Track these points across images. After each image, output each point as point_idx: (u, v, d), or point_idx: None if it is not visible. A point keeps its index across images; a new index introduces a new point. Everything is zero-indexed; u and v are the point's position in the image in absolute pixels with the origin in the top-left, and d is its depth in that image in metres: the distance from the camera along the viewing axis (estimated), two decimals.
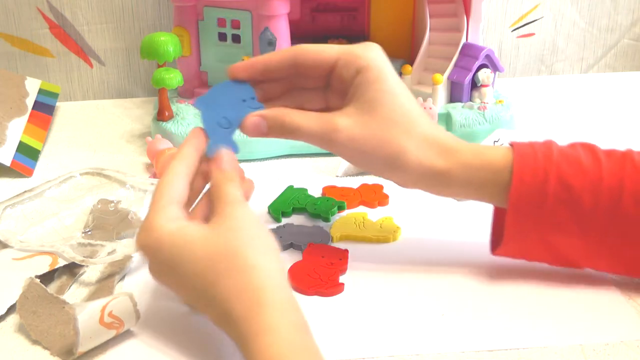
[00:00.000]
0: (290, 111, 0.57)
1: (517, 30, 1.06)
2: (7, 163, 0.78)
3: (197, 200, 0.56)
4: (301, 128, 0.56)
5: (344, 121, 0.56)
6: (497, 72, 0.86)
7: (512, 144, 0.57)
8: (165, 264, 0.51)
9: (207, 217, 0.53)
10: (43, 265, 0.61)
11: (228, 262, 0.48)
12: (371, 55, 0.57)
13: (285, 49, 0.59)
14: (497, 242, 0.60)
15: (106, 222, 0.67)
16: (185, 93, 0.87)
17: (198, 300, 0.51)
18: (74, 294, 0.59)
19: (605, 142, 0.62)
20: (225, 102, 0.56)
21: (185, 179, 0.54)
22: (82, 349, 0.50)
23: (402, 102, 0.56)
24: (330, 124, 0.56)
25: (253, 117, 0.57)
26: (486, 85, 0.85)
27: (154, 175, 0.76)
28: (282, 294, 0.48)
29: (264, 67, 0.57)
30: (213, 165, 0.55)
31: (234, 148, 0.56)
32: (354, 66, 0.56)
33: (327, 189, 0.73)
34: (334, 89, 0.59)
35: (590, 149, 0.57)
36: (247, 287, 0.47)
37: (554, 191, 0.55)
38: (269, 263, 0.49)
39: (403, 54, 0.93)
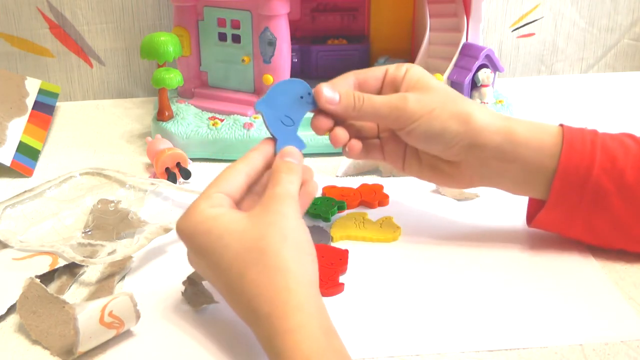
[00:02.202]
0: (359, 93, 0.60)
1: (517, 30, 1.06)
2: (7, 163, 0.78)
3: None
4: (374, 99, 0.59)
5: (410, 94, 0.59)
6: (497, 72, 0.86)
7: (560, 124, 0.60)
8: (200, 249, 0.51)
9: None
10: (43, 265, 0.61)
11: (258, 257, 0.48)
12: (412, 66, 0.61)
13: (348, 74, 0.61)
14: (534, 213, 0.62)
15: (106, 222, 0.67)
16: (185, 93, 0.87)
17: (228, 293, 0.50)
18: (74, 294, 0.59)
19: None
20: (284, 101, 0.57)
21: (241, 176, 0.54)
22: (82, 348, 0.50)
23: (451, 90, 0.61)
24: (398, 95, 0.59)
25: (328, 89, 0.58)
26: (486, 85, 0.85)
27: (154, 175, 0.76)
28: (310, 299, 0.47)
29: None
30: (277, 157, 0.56)
31: (300, 145, 0.56)
32: (403, 67, 0.61)
33: (327, 189, 0.73)
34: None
35: (630, 135, 0.60)
36: (273, 287, 0.47)
37: (600, 161, 0.58)
38: (298, 266, 0.48)
39: (403, 54, 0.94)
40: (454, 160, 0.60)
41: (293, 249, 0.49)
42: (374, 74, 0.61)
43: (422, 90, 0.59)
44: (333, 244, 0.65)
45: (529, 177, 0.60)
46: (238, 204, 0.54)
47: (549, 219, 0.61)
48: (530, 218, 0.64)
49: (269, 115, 0.56)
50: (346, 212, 0.70)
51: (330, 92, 0.59)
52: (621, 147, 0.59)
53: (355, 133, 0.62)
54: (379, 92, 0.61)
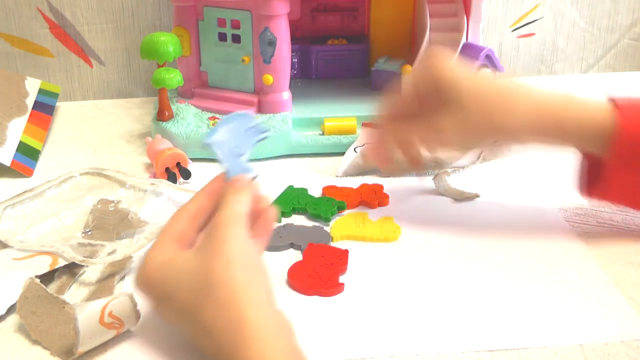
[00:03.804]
0: (398, 128, 0.64)
1: (517, 30, 1.06)
2: (7, 163, 0.78)
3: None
4: (414, 139, 0.63)
5: (446, 119, 0.61)
6: (497, 72, 0.86)
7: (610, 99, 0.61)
8: (161, 297, 0.50)
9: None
10: (43, 265, 0.61)
11: (209, 292, 0.47)
12: (440, 62, 0.62)
13: (381, 116, 0.66)
14: (590, 184, 0.63)
15: (106, 222, 0.67)
16: (185, 93, 0.87)
17: (192, 335, 0.49)
18: (74, 294, 0.59)
19: None
20: (233, 133, 0.56)
21: (187, 216, 0.53)
22: (82, 349, 0.50)
23: (485, 82, 0.61)
24: (436, 127, 0.61)
25: (372, 149, 0.66)
26: None
27: (154, 175, 0.76)
28: (267, 321, 0.46)
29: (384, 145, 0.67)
30: (226, 185, 0.54)
31: (252, 174, 0.56)
32: (431, 80, 0.62)
33: (327, 189, 0.73)
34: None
35: None
36: (228, 319, 0.46)
37: None
38: (249, 290, 0.47)
39: (403, 54, 0.93)
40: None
41: (240, 274, 0.47)
42: (406, 104, 0.64)
43: (457, 111, 0.60)
44: (333, 244, 0.65)
45: (580, 147, 0.62)
46: (191, 245, 0.52)
47: (608, 192, 0.62)
48: (587, 190, 0.64)
49: (219, 147, 0.55)
50: (346, 212, 0.70)
51: (375, 153, 0.66)
52: None
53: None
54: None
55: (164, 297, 0.50)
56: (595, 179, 0.63)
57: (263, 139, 0.58)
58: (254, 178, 0.55)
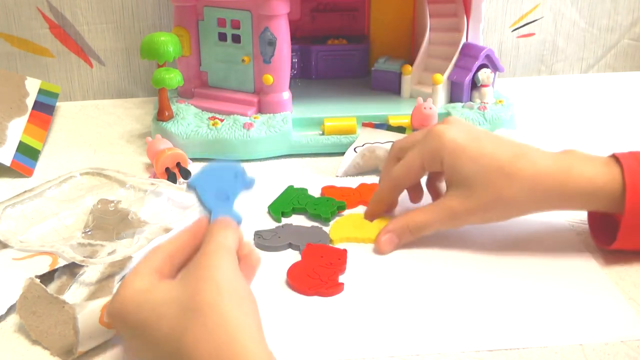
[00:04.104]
0: (408, 215, 0.64)
1: (517, 30, 1.06)
2: (7, 163, 0.78)
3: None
4: (426, 225, 0.64)
5: (454, 202, 0.63)
6: (497, 72, 0.86)
7: (615, 156, 0.61)
8: (135, 326, 0.46)
9: None
10: (43, 265, 0.61)
11: (195, 316, 0.44)
12: (444, 141, 0.63)
13: (385, 185, 0.67)
14: (603, 236, 0.63)
15: (106, 222, 0.67)
16: (185, 93, 0.87)
17: None
18: (74, 294, 0.59)
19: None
20: (218, 180, 0.54)
21: (166, 251, 0.50)
22: (82, 348, 0.50)
23: (487, 160, 0.62)
24: (446, 209, 0.63)
25: (384, 236, 0.64)
26: (486, 85, 0.85)
27: (154, 175, 0.76)
28: (257, 345, 0.43)
29: (387, 207, 0.68)
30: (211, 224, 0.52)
31: (237, 218, 0.53)
32: (437, 161, 0.63)
33: (326, 189, 0.73)
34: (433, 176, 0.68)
35: None
36: (216, 342, 0.43)
37: None
38: (239, 315, 0.44)
39: (403, 54, 0.94)
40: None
41: (229, 298, 0.45)
42: (412, 174, 0.65)
43: (463, 187, 0.62)
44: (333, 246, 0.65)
45: (590, 208, 0.64)
46: (170, 278, 0.49)
47: (622, 245, 0.62)
48: (602, 243, 0.64)
49: (203, 190, 0.53)
50: (346, 212, 0.70)
51: (388, 241, 0.64)
52: None
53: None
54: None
55: (140, 326, 0.45)
56: (610, 230, 0.62)
57: (247, 189, 0.56)
58: (239, 223, 0.53)
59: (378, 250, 0.64)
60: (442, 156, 0.63)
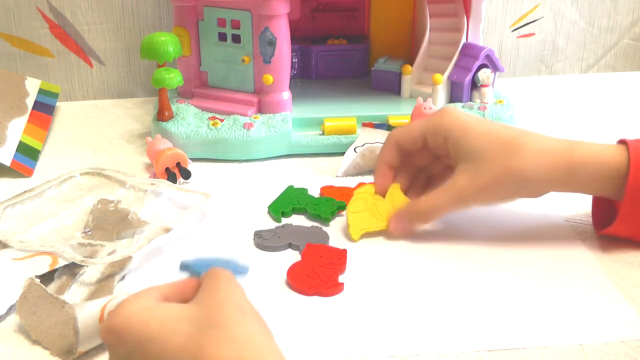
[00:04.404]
0: (419, 200, 0.65)
1: (517, 30, 1.06)
2: (7, 163, 0.78)
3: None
4: (436, 208, 0.64)
5: (462, 180, 0.62)
6: (497, 72, 0.86)
7: (623, 141, 0.62)
8: (138, 341, 0.43)
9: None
10: (43, 265, 0.61)
11: (218, 333, 0.42)
12: (448, 118, 0.64)
13: (385, 146, 0.67)
14: (602, 222, 0.63)
15: (106, 222, 0.67)
16: (185, 93, 0.87)
17: None
18: (74, 294, 0.59)
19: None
20: (211, 262, 0.53)
21: (160, 289, 0.48)
22: (82, 348, 0.50)
23: (494, 135, 0.62)
24: (455, 189, 0.63)
25: (395, 222, 0.65)
26: (486, 85, 0.85)
27: (154, 175, 0.76)
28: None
29: (390, 164, 0.67)
30: None
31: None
32: (440, 135, 0.64)
33: (326, 189, 0.73)
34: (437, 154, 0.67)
35: None
36: (240, 357, 0.41)
37: None
38: (262, 336, 0.44)
39: (403, 54, 0.93)
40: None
41: (250, 316, 0.44)
42: (413, 139, 0.65)
43: (470, 162, 0.62)
44: (354, 243, 0.65)
45: (594, 192, 0.64)
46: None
47: (620, 231, 0.62)
48: (598, 226, 0.65)
49: (197, 267, 0.52)
50: (357, 190, 0.68)
51: (401, 227, 0.65)
52: None
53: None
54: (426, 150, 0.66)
55: (145, 341, 0.43)
56: (609, 215, 0.63)
57: (241, 275, 0.55)
58: None
59: (391, 231, 0.65)
60: (446, 131, 0.63)
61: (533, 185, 0.62)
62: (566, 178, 0.61)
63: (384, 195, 0.67)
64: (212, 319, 0.43)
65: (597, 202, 0.66)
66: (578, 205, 0.70)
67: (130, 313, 0.44)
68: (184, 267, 0.53)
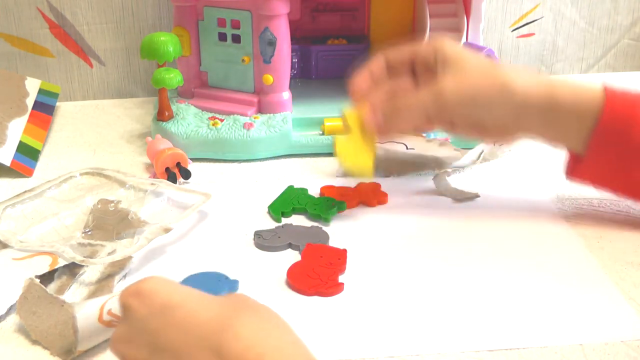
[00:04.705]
0: (397, 96, 0.64)
1: (517, 30, 1.06)
2: (7, 163, 0.78)
3: None
4: (412, 104, 0.63)
5: (446, 80, 0.62)
6: None
7: (603, 84, 0.62)
8: (156, 309, 0.42)
9: None
10: (43, 265, 0.61)
11: (249, 314, 0.41)
12: (439, 39, 0.65)
13: (379, 57, 0.67)
14: (574, 166, 0.64)
15: (106, 222, 0.67)
16: (185, 93, 0.87)
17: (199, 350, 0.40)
18: (74, 294, 0.59)
19: None
20: (202, 284, 0.55)
21: None
22: (81, 347, 0.50)
23: (482, 57, 0.64)
24: (437, 88, 0.62)
25: (370, 112, 0.64)
26: None
27: (154, 175, 0.76)
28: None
29: (372, 72, 0.67)
30: None
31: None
32: (430, 45, 0.64)
33: (325, 189, 0.73)
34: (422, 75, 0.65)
35: None
36: (281, 336, 0.41)
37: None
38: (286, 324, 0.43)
39: None
40: (499, 124, 0.63)
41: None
42: (403, 55, 0.66)
43: (457, 72, 0.62)
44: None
45: (569, 133, 0.63)
46: None
47: (588, 171, 0.64)
48: (569, 172, 0.66)
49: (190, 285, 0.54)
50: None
51: (373, 118, 0.64)
52: None
53: None
54: (412, 70, 0.65)
55: (171, 306, 0.42)
56: (578, 161, 0.64)
57: (232, 291, 0.58)
58: None
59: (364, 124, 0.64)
60: (437, 44, 0.64)
61: (517, 97, 0.61)
62: (548, 102, 0.61)
63: (355, 97, 0.66)
64: (244, 303, 0.42)
65: (571, 156, 0.66)
66: (578, 206, 0.70)
67: (159, 279, 0.44)
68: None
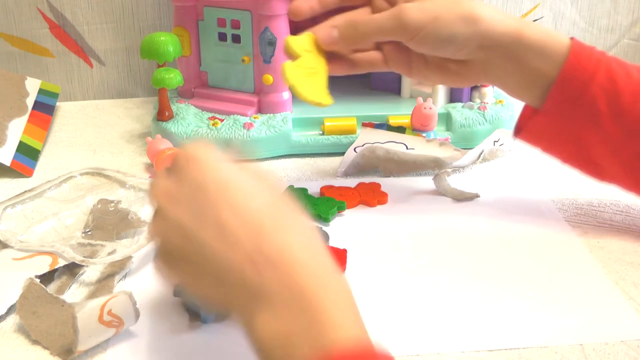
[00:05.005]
0: (356, 13, 0.61)
1: None
2: (7, 163, 0.78)
3: None
4: (371, 24, 0.59)
5: (410, 4, 0.59)
6: None
7: (571, 38, 0.61)
8: (205, 176, 0.44)
9: None
10: (43, 265, 0.61)
11: (297, 218, 0.44)
12: None
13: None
14: (524, 123, 0.63)
15: (106, 222, 0.67)
16: (185, 93, 0.87)
17: (232, 229, 0.43)
18: (74, 294, 0.59)
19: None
20: None
21: None
22: (81, 347, 0.50)
23: None
24: (398, 7, 0.58)
25: (325, 29, 0.60)
26: (486, 85, 0.85)
27: (154, 175, 0.76)
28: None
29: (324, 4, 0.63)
30: None
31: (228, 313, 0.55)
32: None
33: (325, 189, 0.73)
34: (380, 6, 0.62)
35: (637, 67, 0.61)
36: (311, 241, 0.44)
37: (600, 79, 0.58)
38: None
39: None
40: (463, 59, 0.61)
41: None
42: None
43: None
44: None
45: (531, 80, 0.61)
46: None
47: (540, 126, 0.62)
48: (519, 129, 0.64)
49: (189, 296, 0.55)
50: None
51: (327, 31, 0.60)
52: (625, 72, 0.59)
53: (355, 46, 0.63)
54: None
55: (221, 179, 0.44)
56: (530, 118, 0.63)
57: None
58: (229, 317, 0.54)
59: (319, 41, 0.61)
60: None
61: (482, 27, 0.58)
62: (514, 39, 0.59)
63: (296, 14, 0.63)
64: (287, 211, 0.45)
65: (525, 108, 0.65)
66: (578, 206, 0.70)
67: (216, 153, 0.45)
68: (177, 293, 0.56)
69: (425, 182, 0.75)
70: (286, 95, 0.83)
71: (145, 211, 0.69)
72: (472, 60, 0.61)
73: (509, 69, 0.61)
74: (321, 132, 0.82)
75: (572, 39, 0.61)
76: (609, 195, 0.71)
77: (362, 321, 0.42)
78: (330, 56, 0.63)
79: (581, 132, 0.60)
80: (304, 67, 0.61)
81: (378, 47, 0.64)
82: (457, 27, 0.58)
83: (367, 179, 0.75)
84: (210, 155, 0.46)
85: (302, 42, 0.63)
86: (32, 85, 0.91)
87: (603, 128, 0.59)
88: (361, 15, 0.61)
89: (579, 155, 0.62)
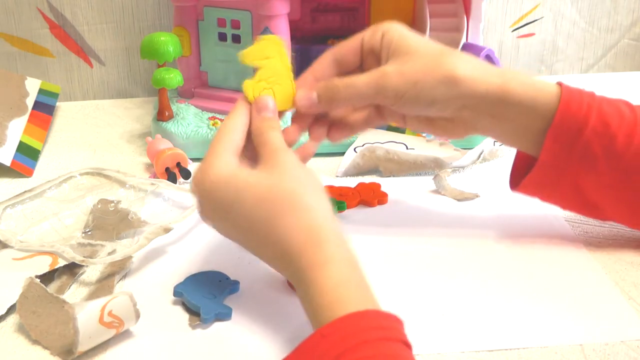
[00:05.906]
0: (337, 77, 0.61)
1: (517, 30, 1.06)
2: (7, 163, 0.78)
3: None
4: (352, 84, 0.59)
5: (390, 66, 0.58)
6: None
7: (559, 83, 0.60)
8: (219, 207, 0.54)
9: (253, 162, 0.56)
10: (43, 265, 0.61)
11: (285, 203, 0.51)
12: (389, 24, 0.61)
13: (325, 54, 0.62)
14: (518, 179, 0.62)
15: (106, 222, 0.67)
16: (185, 93, 0.87)
17: (250, 241, 0.54)
18: (74, 293, 0.59)
19: None
20: (203, 285, 0.58)
21: (241, 130, 0.57)
22: (81, 348, 0.50)
23: (433, 44, 0.60)
24: (378, 71, 0.59)
25: (302, 91, 0.60)
26: None
27: (154, 175, 0.76)
28: (336, 231, 0.51)
29: (317, 77, 0.61)
30: (254, 113, 0.58)
31: (227, 312, 0.55)
32: (379, 32, 0.60)
33: (326, 189, 0.72)
34: (370, 66, 0.61)
35: (627, 103, 0.60)
36: (305, 225, 0.51)
37: (593, 124, 0.57)
38: (322, 203, 0.53)
39: None
40: (449, 117, 0.60)
41: (311, 187, 0.53)
42: (351, 46, 0.61)
43: (402, 58, 0.58)
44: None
45: (522, 134, 0.60)
46: (247, 158, 0.58)
47: (537, 180, 0.61)
48: (516, 184, 0.63)
49: (190, 293, 0.56)
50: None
51: (306, 95, 0.60)
52: (617, 113, 0.58)
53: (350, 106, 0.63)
54: (361, 64, 0.61)
55: (227, 207, 0.53)
56: (525, 172, 0.62)
57: (232, 292, 0.58)
58: (229, 318, 0.55)
59: (295, 105, 0.60)
60: (386, 30, 0.60)
61: (462, 88, 0.57)
62: (499, 96, 0.57)
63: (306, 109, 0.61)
64: (277, 191, 0.52)
65: (518, 158, 0.64)
66: None
67: (214, 179, 0.55)
68: (177, 293, 0.57)
69: (425, 182, 0.75)
70: None
71: (145, 211, 0.69)
72: (459, 117, 0.60)
73: (496, 125, 0.60)
74: None
75: (560, 84, 0.59)
76: None
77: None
78: (330, 125, 0.63)
79: (579, 178, 0.59)
80: (265, 80, 0.60)
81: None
82: (437, 91, 0.57)
83: (367, 179, 0.75)
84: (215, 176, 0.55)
85: (261, 49, 0.61)
86: (32, 85, 0.91)
87: (600, 171, 0.59)
88: (341, 80, 0.60)
89: (579, 200, 0.61)
